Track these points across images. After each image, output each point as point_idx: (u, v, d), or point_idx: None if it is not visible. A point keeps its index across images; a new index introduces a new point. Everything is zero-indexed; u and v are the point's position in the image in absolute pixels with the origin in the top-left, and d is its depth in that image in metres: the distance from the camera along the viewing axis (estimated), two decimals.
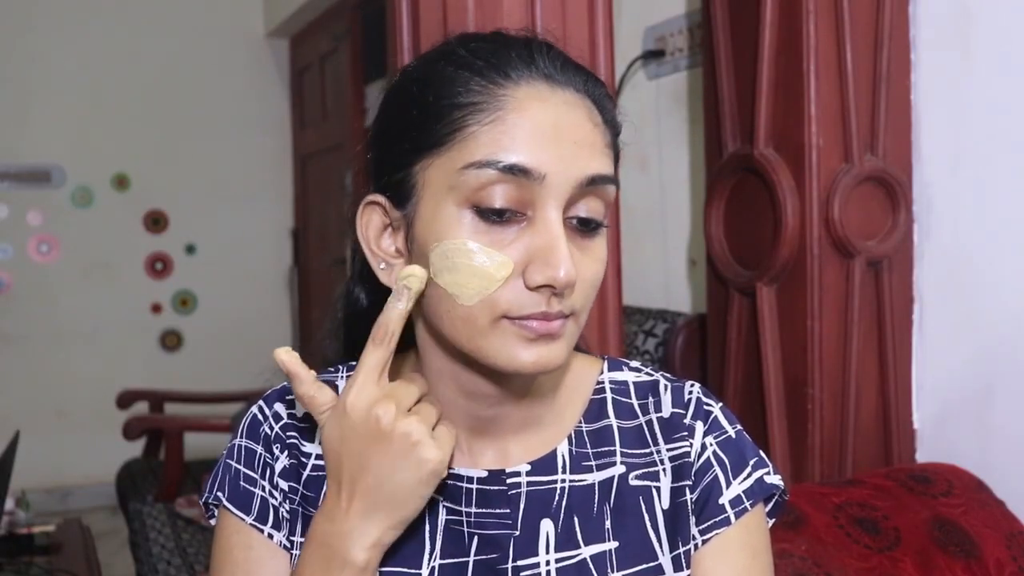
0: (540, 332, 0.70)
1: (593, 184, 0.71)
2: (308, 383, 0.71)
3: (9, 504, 2.31)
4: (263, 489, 0.80)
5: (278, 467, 0.80)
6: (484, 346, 0.71)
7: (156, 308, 4.65)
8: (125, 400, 3.62)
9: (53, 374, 4.44)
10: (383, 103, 0.79)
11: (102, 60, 4.48)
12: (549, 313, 0.70)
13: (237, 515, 0.79)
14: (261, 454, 0.80)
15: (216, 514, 0.83)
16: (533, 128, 0.69)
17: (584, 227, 0.72)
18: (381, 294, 0.78)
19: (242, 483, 0.80)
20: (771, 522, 0.84)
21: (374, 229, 0.77)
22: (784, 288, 1.61)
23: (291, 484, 0.80)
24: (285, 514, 0.79)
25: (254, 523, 0.79)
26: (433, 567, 0.77)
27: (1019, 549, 1.38)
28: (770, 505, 0.84)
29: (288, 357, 0.70)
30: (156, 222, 4.64)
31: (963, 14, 1.55)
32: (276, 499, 0.79)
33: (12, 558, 2.26)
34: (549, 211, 0.70)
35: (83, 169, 4.48)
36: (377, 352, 0.70)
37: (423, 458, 0.68)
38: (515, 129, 0.69)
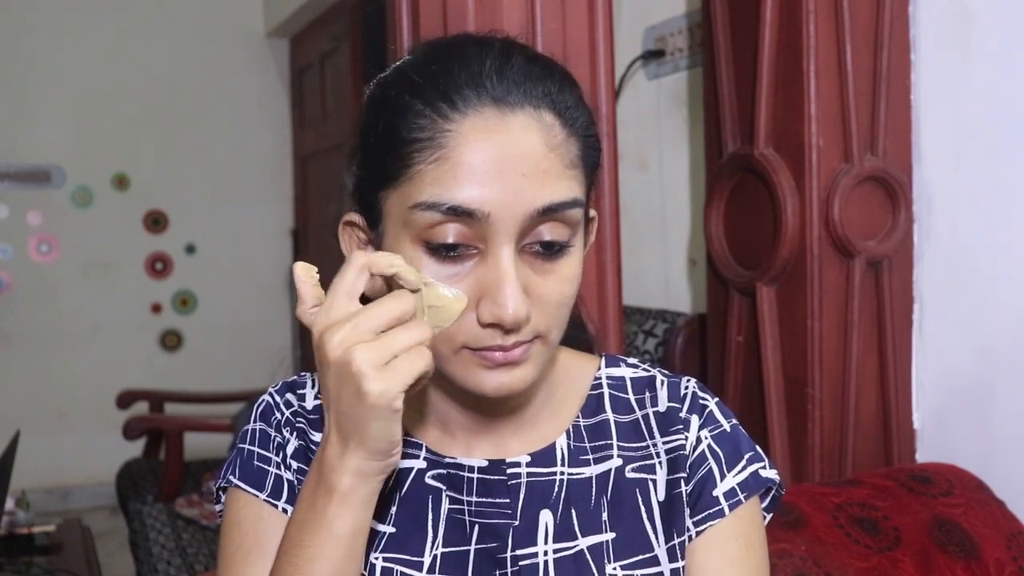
0: (500, 362, 0.71)
1: (548, 213, 0.70)
2: (307, 306, 0.69)
3: (9, 504, 2.31)
4: (277, 467, 0.80)
5: (290, 449, 0.81)
6: (450, 371, 0.73)
7: (156, 308, 4.65)
8: (125, 400, 3.62)
9: (53, 374, 4.44)
10: (358, 118, 0.78)
11: (102, 60, 4.48)
12: (505, 345, 0.70)
13: (250, 492, 0.79)
14: (274, 436, 0.82)
15: (223, 499, 0.83)
16: (477, 164, 0.68)
17: (547, 251, 0.72)
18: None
19: (256, 463, 0.81)
20: (768, 517, 0.85)
21: (355, 246, 0.79)
22: (784, 288, 1.61)
23: (300, 465, 0.81)
24: (298, 490, 0.80)
25: (268, 499, 0.79)
26: (436, 555, 0.77)
27: (1019, 549, 1.38)
28: (767, 500, 0.85)
29: (303, 275, 0.69)
30: (156, 222, 4.64)
31: (963, 14, 1.55)
32: (290, 477, 0.80)
33: (12, 558, 2.26)
34: (499, 247, 0.69)
35: (83, 169, 4.48)
36: (348, 274, 0.67)
37: (361, 390, 0.63)
38: (458, 168, 0.68)
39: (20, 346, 4.40)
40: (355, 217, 0.78)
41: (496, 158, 0.68)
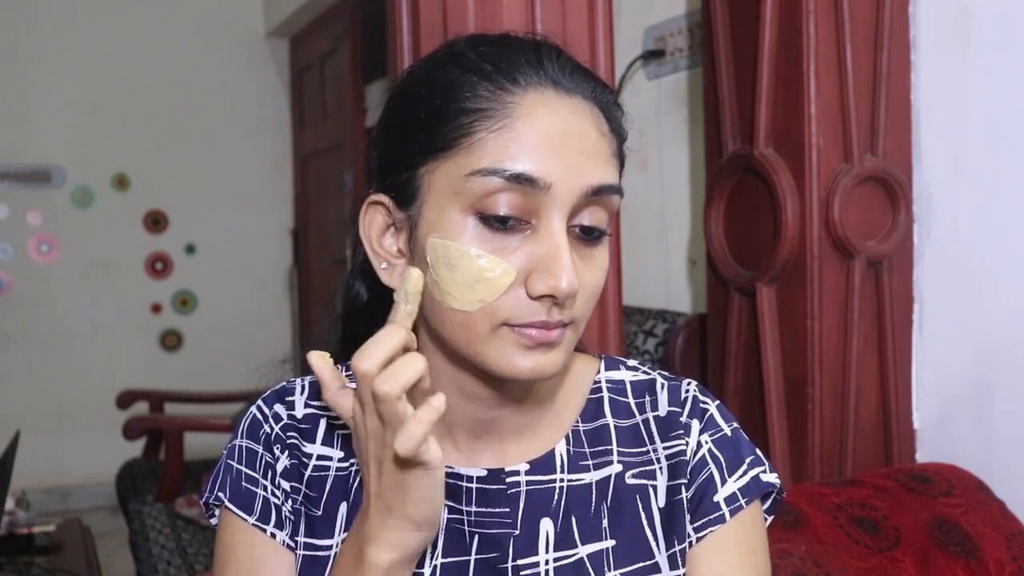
0: (539, 340, 0.70)
1: (598, 194, 0.71)
2: (333, 391, 0.69)
3: (9, 504, 2.31)
4: (265, 489, 0.79)
5: (279, 467, 0.80)
6: (482, 352, 0.71)
7: (156, 308, 4.65)
8: (125, 400, 3.62)
9: (53, 374, 4.44)
10: (388, 103, 0.78)
11: (102, 60, 4.48)
12: (549, 322, 0.70)
13: (239, 515, 0.79)
14: (262, 455, 0.80)
15: (217, 514, 0.82)
16: (540, 136, 0.69)
17: (587, 235, 0.72)
18: (381, 289, 0.78)
19: (244, 484, 0.80)
20: (769, 519, 0.84)
21: (376, 228, 0.77)
22: (784, 288, 1.61)
23: (293, 484, 0.80)
24: (288, 514, 0.79)
25: (256, 523, 0.78)
26: (436, 565, 0.77)
27: (1019, 549, 1.38)
28: (767, 503, 0.84)
29: (319, 363, 0.69)
30: (156, 222, 4.64)
31: (963, 14, 1.55)
32: (278, 499, 0.79)
33: (12, 558, 2.26)
34: (553, 220, 0.70)
35: (83, 169, 4.48)
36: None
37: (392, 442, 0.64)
38: (522, 137, 0.69)
39: (20, 346, 4.40)
40: (382, 197, 0.76)
41: (558, 133, 0.70)
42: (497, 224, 0.69)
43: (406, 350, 0.65)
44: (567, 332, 0.72)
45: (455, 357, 0.75)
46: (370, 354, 0.63)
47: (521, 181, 0.68)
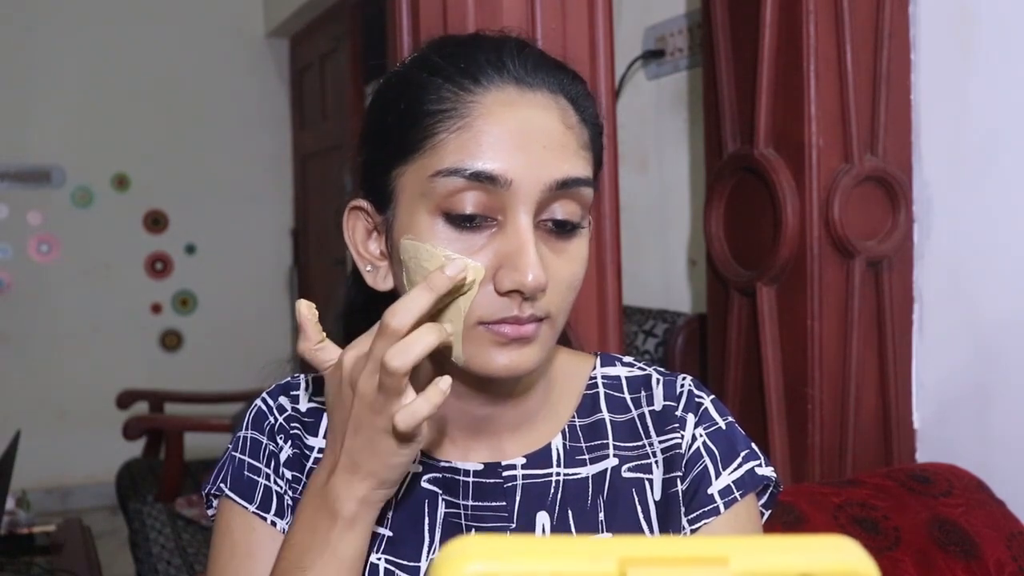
0: (512, 337, 0.71)
1: (565, 187, 0.71)
2: (312, 343, 0.71)
3: (9, 504, 2.31)
4: (267, 478, 0.80)
5: (283, 456, 0.81)
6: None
7: (156, 308, 4.65)
8: (125, 400, 3.62)
9: (53, 374, 4.44)
10: (368, 108, 0.80)
11: (102, 60, 4.48)
12: (521, 317, 0.71)
13: (240, 504, 0.80)
14: (266, 444, 0.81)
15: (215, 504, 0.83)
16: (500, 134, 0.70)
17: (560, 229, 0.73)
18: (379, 290, 0.79)
19: (246, 473, 0.81)
20: (766, 514, 0.85)
21: (360, 232, 0.79)
22: (784, 288, 1.61)
23: (295, 474, 0.81)
24: (289, 502, 0.80)
25: (256, 511, 0.79)
26: (432, 560, 0.77)
27: (1019, 549, 1.37)
28: (764, 498, 0.85)
29: (307, 312, 0.70)
30: (156, 222, 4.64)
31: (963, 14, 1.55)
32: (280, 487, 0.80)
33: (12, 558, 2.26)
34: (519, 217, 0.70)
35: (83, 169, 4.48)
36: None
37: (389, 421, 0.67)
38: (482, 136, 0.70)
39: (20, 346, 4.40)
40: (362, 202, 0.78)
41: (518, 130, 0.70)
42: (464, 223, 0.70)
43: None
44: (543, 327, 0.73)
45: (439, 358, 0.76)
46: (401, 312, 0.65)
47: (482, 179, 0.69)
